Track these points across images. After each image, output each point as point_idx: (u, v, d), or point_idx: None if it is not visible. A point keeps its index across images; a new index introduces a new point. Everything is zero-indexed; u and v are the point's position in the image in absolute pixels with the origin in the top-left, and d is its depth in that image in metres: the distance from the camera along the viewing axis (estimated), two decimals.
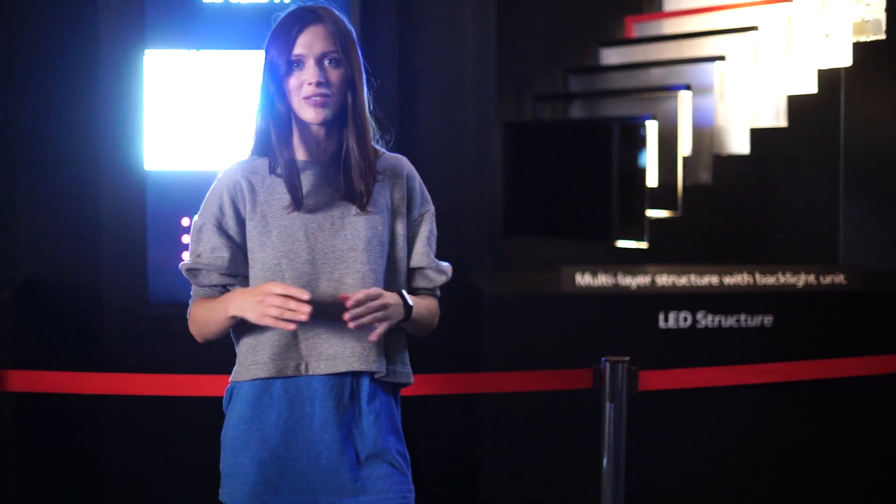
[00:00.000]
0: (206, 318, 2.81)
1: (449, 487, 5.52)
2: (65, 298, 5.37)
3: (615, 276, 5.26)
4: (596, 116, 5.88)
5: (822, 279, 5.36)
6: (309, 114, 2.77)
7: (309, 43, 2.77)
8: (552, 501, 5.24)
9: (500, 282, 5.46)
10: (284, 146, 2.80)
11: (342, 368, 2.78)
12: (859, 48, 5.28)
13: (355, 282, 2.77)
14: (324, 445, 2.78)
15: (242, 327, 2.82)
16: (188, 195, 5.26)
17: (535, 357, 5.11)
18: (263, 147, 2.84)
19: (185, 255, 5.29)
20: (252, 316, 2.67)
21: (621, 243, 5.47)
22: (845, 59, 5.22)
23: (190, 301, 2.88)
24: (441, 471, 5.51)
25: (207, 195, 2.85)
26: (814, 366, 4.37)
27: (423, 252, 2.91)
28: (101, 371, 4.78)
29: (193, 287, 2.86)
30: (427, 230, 2.93)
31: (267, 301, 2.64)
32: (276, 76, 2.78)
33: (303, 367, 2.78)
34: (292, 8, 2.84)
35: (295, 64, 2.77)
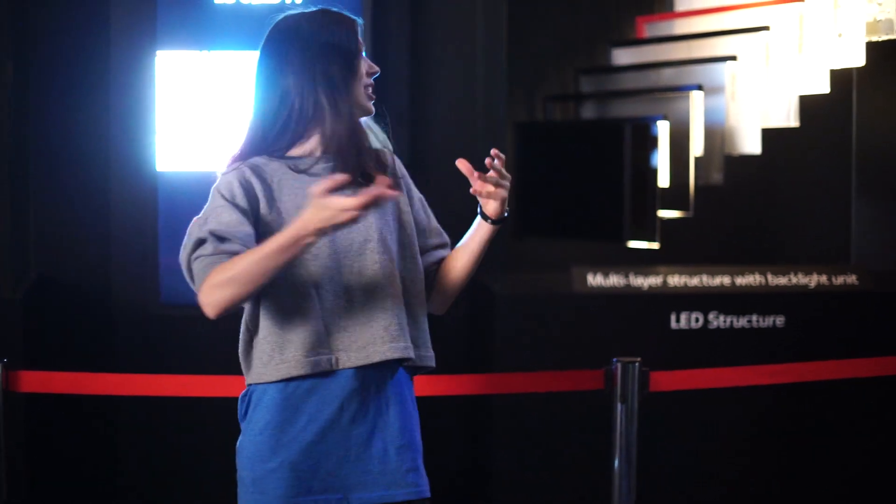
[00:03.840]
0: (252, 268, 2.60)
1: (460, 488, 5.51)
2: (76, 299, 5.38)
3: (627, 276, 5.25)
4: (607, 117, 5.87)
5: (834, 279, 5.35)
6: (369, 105, 2.80)
7: (360, 38, 2.80)
8: (563, 502, 5.23)
9: (511, 282, 5.46)
10: (348, 109, 2.76)
11: (375, 359, 2.74)
12: (872, 48, 5.26)
13: (375, 272, 2.76)
14: (353, 440, 2.76)
15: (262, 326, 2.75)
16: (200, 196, 5.21)
17: (547, 357, 5.11)
18: (262, 144, 2.78)
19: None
20: (329, 227, 2.56)
21: (633, 244, 5.47)
22: (858, 59, 5.21)
23: (201, 271, 2.66)
24: (452, 471, 5.51)
25: (211, 197, 2.76)
26: (826, 366, 4.36)
27: (438, 229, 2.95)
28: (111, 371, 4.78)
29: (204, 258, 2.66)
30: (427, 209, 2.96)
31: (333, 211, 2.54)
32: (350, 56, 2.76)
33: (333, 360, 2.74)
34: (315, 13, 2.80)
35: (361, 50, 2.79)
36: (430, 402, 3.99)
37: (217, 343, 5.15)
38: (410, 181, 2.95)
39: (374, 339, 2.75)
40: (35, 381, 3.80)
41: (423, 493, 2.82)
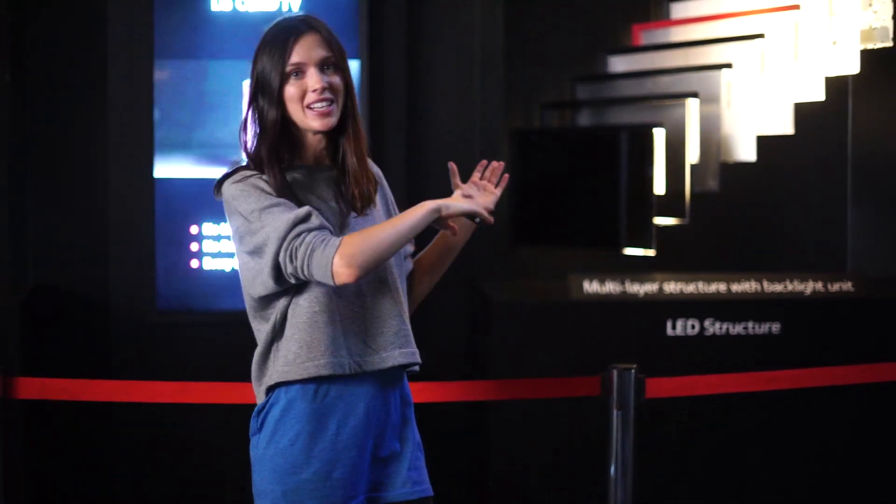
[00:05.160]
0: (393, 234, 2.68)
1: (457, 494, 5.52)
2: (73, 306, 5.39)
3: (623, 283, 5.26)
4: (603, 124, 5.88)
5: (829, 286, 5.36)
6: (316, 123, 2.75)
7: (307, 50, 2.75)
8: None
9: (508, 289, 5.47)
10: (276, 158, 2.75)
11: (390, 363, 2.80)
12: (867, 56, 5.28)
13: (383, 278, 2.80)
14: (380, 443, 2.81)
15: (289, 326, 2.75)
16: (196, 203, 5.28)
17: (543, 364, 5.12)
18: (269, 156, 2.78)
19: (194, 263, 5.31)
20: (466, 207, 2.76)
21: (629, 251, 5.48)
22: (853, 67, 5.22)
23: (321, 242, 2.64)
24: (449, 478, 5.51)
25: (240, 198, 2.71)
26: (821, 373, 4.37)
27: None
28: (108, 378, 4.79)
29: (314, 231, 2.66)
30: None
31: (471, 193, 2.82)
32: (270, 88, 2.75)
33: (354, 365, 2.76)
34: (279, 20, 2.81)
35: (293, 74, 2.75)
36: (426, 408, 4.00)
37: (213, 350, 5.17)
38: (388, 188, 2.98)
39: (386, 345, 2.81)
40: (33, 388, 3.81)
41: (430, 490, 2.90)
